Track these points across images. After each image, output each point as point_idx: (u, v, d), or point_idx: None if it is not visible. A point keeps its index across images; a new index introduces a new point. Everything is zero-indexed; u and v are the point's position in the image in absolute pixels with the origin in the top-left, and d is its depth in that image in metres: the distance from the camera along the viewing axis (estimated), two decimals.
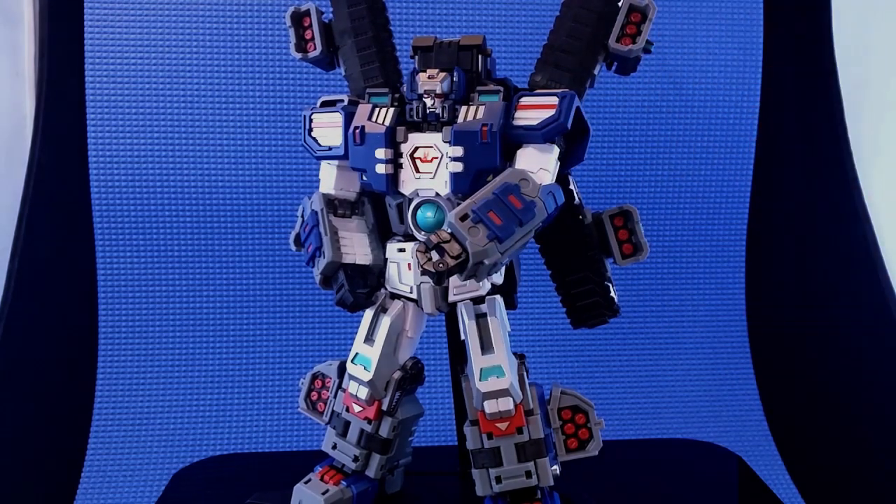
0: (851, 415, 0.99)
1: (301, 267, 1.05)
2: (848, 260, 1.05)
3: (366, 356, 0.59)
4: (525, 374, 0.58)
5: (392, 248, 0.59)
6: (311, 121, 0.59)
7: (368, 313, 0.60)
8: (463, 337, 0.57)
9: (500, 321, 0.56)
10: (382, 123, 0.55)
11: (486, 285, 0.57)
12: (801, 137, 1.09)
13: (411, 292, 0.59)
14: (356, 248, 0.58)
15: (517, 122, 0.53)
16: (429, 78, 0.55)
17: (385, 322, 0.59)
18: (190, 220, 1.03)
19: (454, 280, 0.56)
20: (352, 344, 0.61)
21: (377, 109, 0.56)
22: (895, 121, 1.05)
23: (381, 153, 0.55)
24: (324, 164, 0.60)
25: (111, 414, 1.01)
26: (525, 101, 0.54)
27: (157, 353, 1.03)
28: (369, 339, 0.60)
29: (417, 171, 0.56)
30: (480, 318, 0.57)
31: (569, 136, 0.55)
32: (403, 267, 0.59)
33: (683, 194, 1.08)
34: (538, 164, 0.53)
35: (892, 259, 1.02)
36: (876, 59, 1.07)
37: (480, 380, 0.55)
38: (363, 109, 0.57)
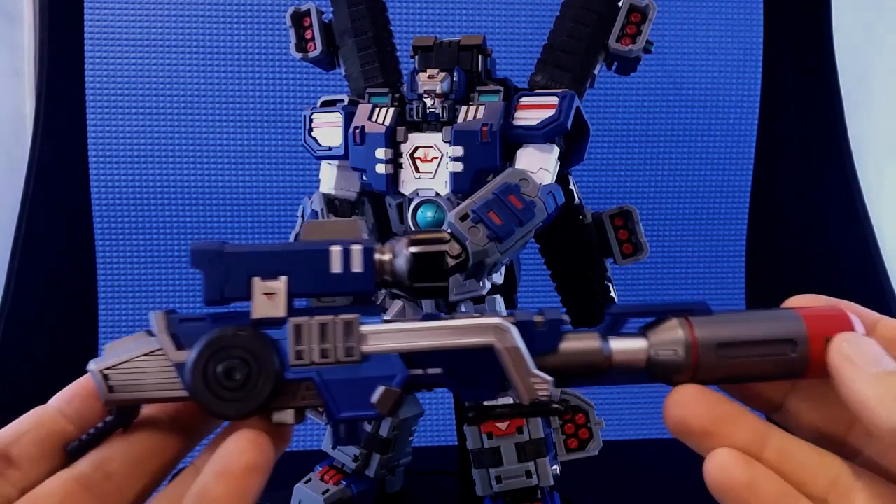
0: None
1: None
2: (848, 260, 1.05)
3: None
4: None
5: None
6: (311, 121, 0.59)
7: None
8: None
9: None
10: (382, 123, 0.55)
11: (486, 285, 0.57)
12: (801, 137, 1.09)
13: None
14: None
15: (517, 122, 0.53)
16: (429, 78, 0.55)
17: None
18: (190, 220, 1.03)
19: (454, 280, 0.56)
20: None
21: (377, 109, 0.56)
22: (895, 121, 1.05)
23: (381, 153, 0.55)
24: (324, 163, 0.60)
25: None
26: (525, 100, 0.54)
27: None
28: None
29: (417, 170, 0.56)
30: None
31: (569, 136, 0.55)
32: None
33: (683, 194, 1.08)
34: (538, 164, 0.53)
35: (892, 259, 1.02)
36: (876, 59, 1.07)
37: None
38: (363, 109, 0.57)
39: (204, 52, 1.02)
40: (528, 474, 0.56)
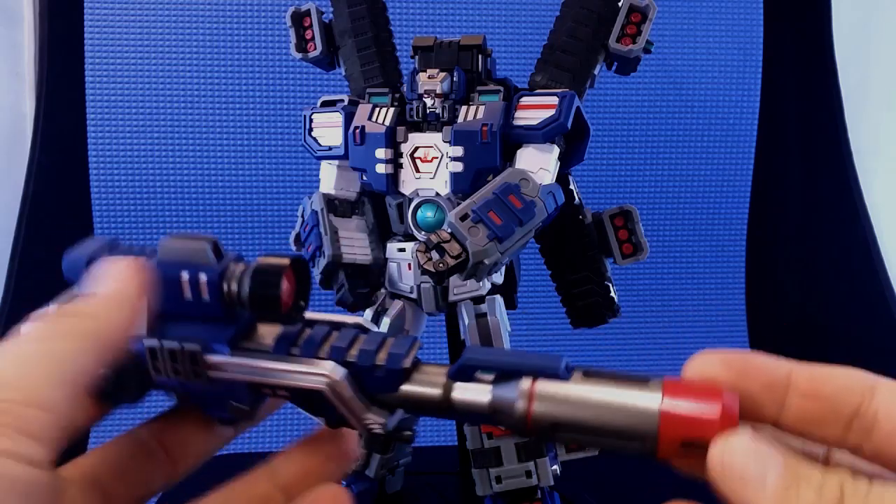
0: None
1: None
2: (848, 260, 1.05)
3: None
4: None
5: (392, 247, 0.59)
6: (311, 121, 0.59)
7: (368, 313, 0.60)
8: (463, 336, 0.57)
9: (500, 321, 0.56)
10: (382, 123, 0.55)
11: (486, 285, 0.57)
12: (801, 138, 1.09)
13: (411, 292, 0.59)
14: (356, 247, 0.58)
15: (517, 122, 0.53)
16: (429, 78, 0.55)
17: (385, 322, 0.59)
18: (190, 220, 1.03)
19: (454, 280, 0.56)
20: None
21: (377, 109, 0.56)
22: (895, 121, 1.05)
23: (381, 153, 0.55)
24: (324, 163, 0.60)
25: (110, 414, 1.01)
26: (525, 100, 0.54)
27: None
28: None
29: (417, 170, 0.56)
30: (480, 317, 0.57)
31: (569, 136, 0.55)
32: (403, 267, 0.59)
33: (683, 194, 1.08)
34: (538, 164, 0.53)
35: (892, 259, 1.02)
36: (876, 59, 1.07)
37: None
38: (363, 109, 0.57)
39: (204, 52, 1.02)
40: (528, 474, 0.56)
